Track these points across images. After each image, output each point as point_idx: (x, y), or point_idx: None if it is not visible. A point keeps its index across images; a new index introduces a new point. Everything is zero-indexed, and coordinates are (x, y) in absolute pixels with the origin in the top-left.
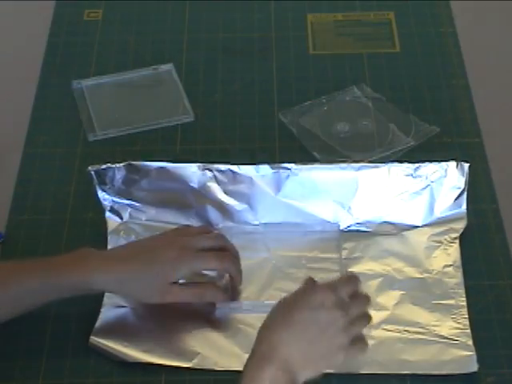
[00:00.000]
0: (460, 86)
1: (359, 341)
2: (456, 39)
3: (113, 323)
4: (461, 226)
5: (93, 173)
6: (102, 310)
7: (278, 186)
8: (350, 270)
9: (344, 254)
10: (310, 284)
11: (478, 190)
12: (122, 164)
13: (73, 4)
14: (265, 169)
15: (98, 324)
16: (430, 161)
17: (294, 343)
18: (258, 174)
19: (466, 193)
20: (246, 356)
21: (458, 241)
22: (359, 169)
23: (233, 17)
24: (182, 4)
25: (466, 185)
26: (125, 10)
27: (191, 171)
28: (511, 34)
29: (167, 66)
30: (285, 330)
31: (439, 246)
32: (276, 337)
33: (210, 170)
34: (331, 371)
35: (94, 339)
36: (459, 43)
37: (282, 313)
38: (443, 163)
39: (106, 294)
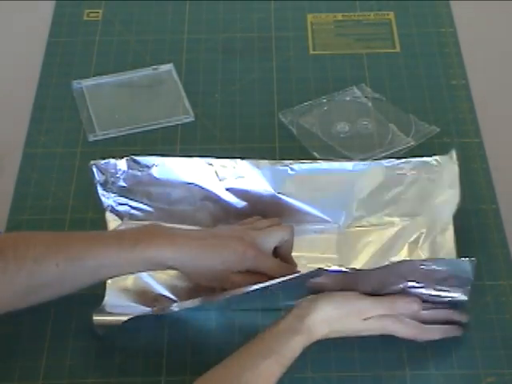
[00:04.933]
0: (460, 86)
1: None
2: (456, 39)
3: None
4: (453, 209)
5: (94, 168)
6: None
7: (277, 183)
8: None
9: (344, 253)
10: None
11: (477, 190)
12: (123, 159)
13: (73, 4)
14: (264, 164)
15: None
16: (422, 155)
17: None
18: (258, 168)
19: (458, 179)
20: None
21: (452, 227)
22: (358, 168)
23: (233, 17)
24: (182, 4)
25: (457, 173)
26: (125, 10)
27: (192, 165)
28: (511, 34)
29: (167, 66)
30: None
31: (436, 237)
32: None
33: (211, 165)
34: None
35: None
36: (459, 43)
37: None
38: (435, 157)
39: (107, 292)
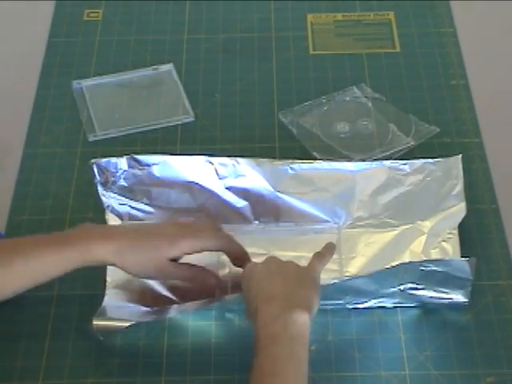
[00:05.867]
0: (460, 86)
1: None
2: (456, 39)
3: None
4: (459, 218)
5: (94, 167)
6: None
7: (277, 182)
8: (349, 269)
9: (343, 253)
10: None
11: (477, 190)
12: (124, 157)
13: (73, 4)
14: (265, 163)
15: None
16: (425, 157)
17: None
18: (259, 166)
19: (462, 185)
20: None
21: (457, 232)
22: (358, 168)
23: (233, 17)
24: (182, 4)
25: (461, 177)
26: (125, 10)
27: (193, 164)
28: (511, 34)
29: (167, 66)
30: (254, 293)
31: (439, 241)
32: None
33: (212, 163)
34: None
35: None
36: (459, 43)
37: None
38: (438, 159)
39: (107, 291)
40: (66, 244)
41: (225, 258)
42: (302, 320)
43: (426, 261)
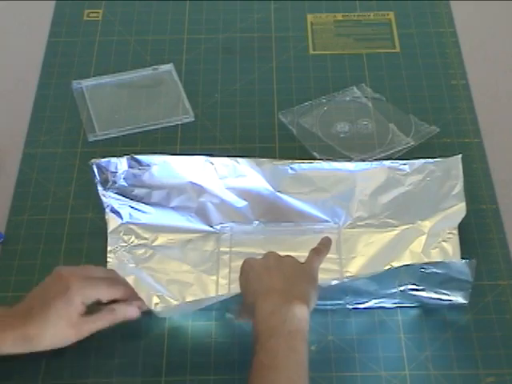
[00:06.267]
0: (460, 86)
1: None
2: (456, 39)
3: None
4: (459, 218)
5: (95, 167)
6: None
7: (277, 182)
8: (349, 269)
9: (343, 253)
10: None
11: (477, 190)
12: (124, 157)
13: (73, 4)
14: (265, 162)
15: None
16: (425, 157)
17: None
18: (259, 167)
19: (462, 185)
20: None
21: (457, 232)
22: (358, 168)
23: (233, 17)
24: (182, 4)
25: (461, 177)
26: (125, 10)
27: (193, 164)
28: (511, 34)
29: (167, 66)
30: (252, 287)
31: (439, 241)
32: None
33: (212, 163)
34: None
35: None
36: (459, 43)
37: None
38: (438, 159)
39: None
40: None
41: (225, 258)
42: (301, 314)
43: (426, 263)
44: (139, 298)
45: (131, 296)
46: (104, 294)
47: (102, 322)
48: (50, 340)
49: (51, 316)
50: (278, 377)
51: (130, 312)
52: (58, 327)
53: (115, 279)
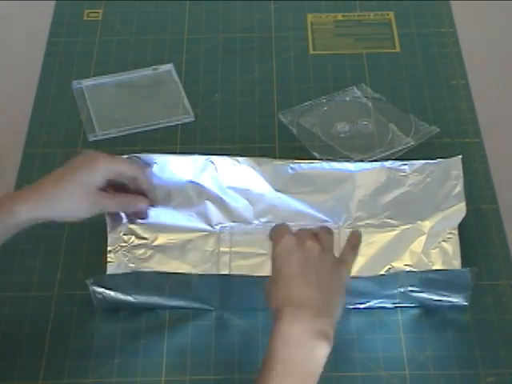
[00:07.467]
0: (460, 86)
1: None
2: (456, 39)
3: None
4: (459, 218)
5: None
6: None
7: (277, 182)
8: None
9: None
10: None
11: (477, 190)
12: (124, 156)
13: (73, 4)
14: (265, 162)
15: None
16: (425, 157)
17: (294, 296)
18: (259, 166)
19: (463, 185)
20: None
21: (457, 232)
22: (358, 168)
23: (233, 17)
24: (182, 4)
25: (461, 178)
26: (125, 10)
27: (193, 164)
28: (511, 34)
29: (167, 66)
30: (281, 291)
31: (439, 241)
32: (282, 305)
33: (212, 163)
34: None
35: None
36: (459, 43)
37: (271, 284)
38: (438, 160)
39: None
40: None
41: (225, 257)
42: (324, 358)
43: (425, 271)
44: (154, 196)
45: (148, 189)
46: (126, 168)
47: (115, 201)
48: (66, 205)
49: (72, 181)
50: None
51: (142, 202)
52: (76, 194)
53: (134, 161)
